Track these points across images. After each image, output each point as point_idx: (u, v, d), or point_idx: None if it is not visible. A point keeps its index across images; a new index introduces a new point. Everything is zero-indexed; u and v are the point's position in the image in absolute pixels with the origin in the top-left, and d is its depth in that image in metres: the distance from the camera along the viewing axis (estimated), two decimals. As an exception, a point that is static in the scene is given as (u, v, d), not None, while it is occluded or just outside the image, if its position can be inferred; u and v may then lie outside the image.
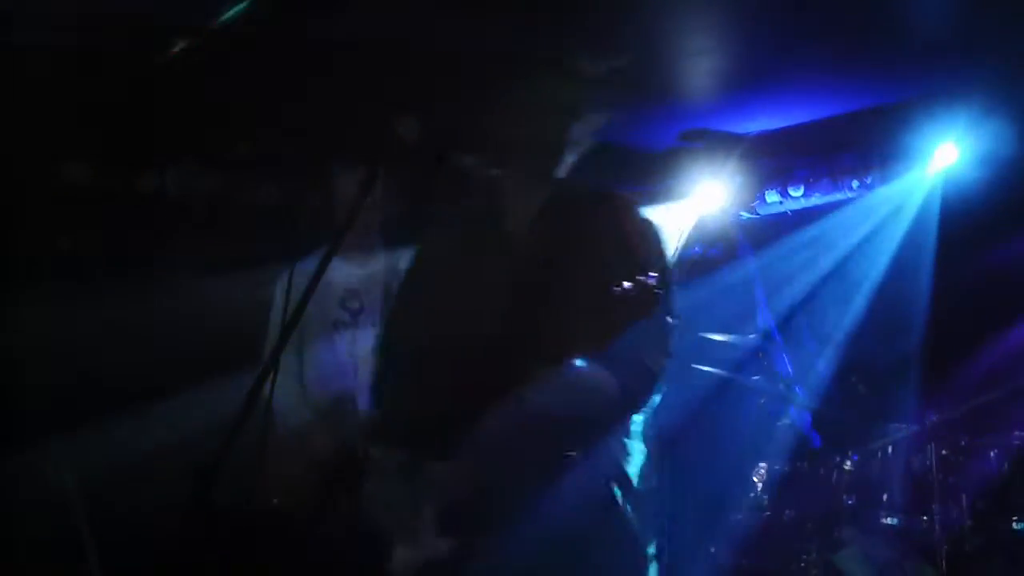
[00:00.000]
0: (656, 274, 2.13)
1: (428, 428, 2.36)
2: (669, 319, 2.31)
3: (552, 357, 2.15)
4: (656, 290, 1.95)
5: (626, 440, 2.36)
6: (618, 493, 2.30)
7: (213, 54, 4.06)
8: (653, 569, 2.34)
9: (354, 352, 3.49)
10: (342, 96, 3.91)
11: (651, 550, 2.35)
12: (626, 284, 1.96)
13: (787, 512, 4.33)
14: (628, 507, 2.30)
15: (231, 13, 3.82)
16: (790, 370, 5.48)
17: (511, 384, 2.19)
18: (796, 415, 4.86)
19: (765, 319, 5.74)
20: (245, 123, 4.46)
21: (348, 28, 3.84)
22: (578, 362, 2.03)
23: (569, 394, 2.11)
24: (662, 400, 4.74)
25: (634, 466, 2.35)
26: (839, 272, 5.49)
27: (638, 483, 2.35)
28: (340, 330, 3.55)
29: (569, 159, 2.47)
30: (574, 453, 2.24)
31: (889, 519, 4.03)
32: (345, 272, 3.51)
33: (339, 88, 3.90)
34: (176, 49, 3.91)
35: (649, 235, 2.38)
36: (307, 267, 3.34)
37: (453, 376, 2.34)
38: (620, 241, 2.35)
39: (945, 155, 5.08)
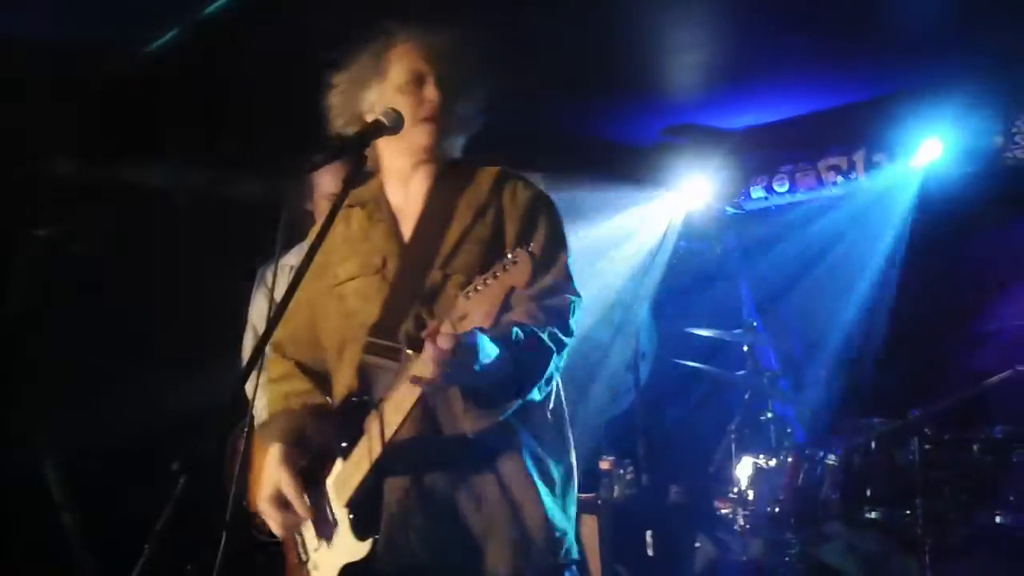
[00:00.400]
0: (536, 244, 2.12)
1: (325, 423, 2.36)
2: (571, 296, 2.29)
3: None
4: (530, 257, 1.93)
5: (542, 424, 2.34)
6: (534, 475, 2.28)
7: (194, 49, 4.03)
8: (565, 549, 2.31)
9: None
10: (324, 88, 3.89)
11: (568, 544, 2.32)
12: (508, 255, 1.95)
13: (772, 506, 4.34)
14: (544, 490, 2.28)
15: (214, 6, 3.80)
16: (775, 364, 5.50)
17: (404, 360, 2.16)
18: (780, 409, 4.87)
19: (750, 313, 5.76)
20: (227, 118, 4.44)
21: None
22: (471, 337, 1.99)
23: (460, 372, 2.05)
24: (648, 394, 4.73)
25: (549, 450, 2.34)
26: (825, 267, 5.50)
27: (557, 471, 2.34)
28: None
29: (458, 139, 2.44)
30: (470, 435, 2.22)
31: (873, 513, 4.04)
32: None
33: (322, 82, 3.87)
34: (158, 44, 3.88)
35: (541, 211, 2.36)
36: (289, 262, 3.34)
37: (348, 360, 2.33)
38: (508, 217, 2.33)
39: (930, 150, 5.09)
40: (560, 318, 2.26)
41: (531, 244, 2.00)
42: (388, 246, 2.37)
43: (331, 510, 2.33)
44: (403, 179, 2.43)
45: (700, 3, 4.15)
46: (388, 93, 2.36)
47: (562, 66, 4.58)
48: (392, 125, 2.30)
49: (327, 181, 3.34)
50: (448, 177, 2.41)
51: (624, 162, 6.18)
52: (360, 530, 2.25)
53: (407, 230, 2.39)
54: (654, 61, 4.74)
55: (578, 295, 2.32)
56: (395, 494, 2.25)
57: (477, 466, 2.26)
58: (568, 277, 2.33)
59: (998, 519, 3.79)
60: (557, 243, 2.34)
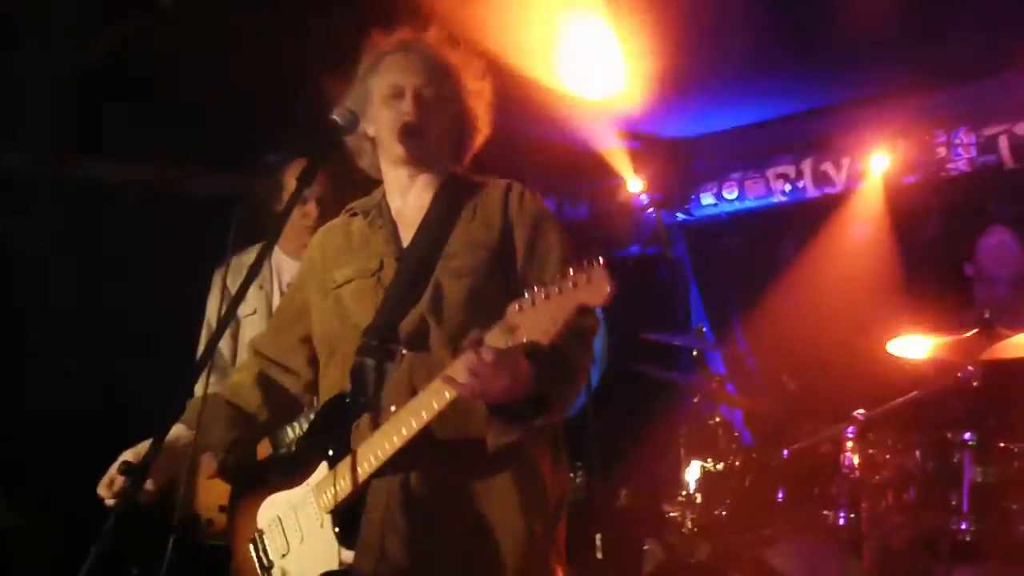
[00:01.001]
0: (553, 258, 2.12)
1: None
2: (592, 318, 2.26)
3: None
4: (607, 275, 1.87)
5: (546, 447, 2.32)
6: (526, 499, 2.25)
7: (152, 42, 3.97)
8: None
9: None
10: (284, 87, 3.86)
11: None
12: (573, 269, 1.90)
13: (719, 508, 4.39)
14: (531, 515, 2.26)
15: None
16: (723, 369, 5.56)
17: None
18: (728, 413, 4.92)
19: (699, 318, 5.82)
20: (186, 114, 4.39)
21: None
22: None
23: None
24: (599, 398, 4.75)
25: (547, 476, 2.31)
26: (773, 273, 5.57)
27: (551, 498, 2.32)
28: None
29: (451, 151, 2.44)
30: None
31: (817, 515, 4.09)
32: (291, 267, 3.46)
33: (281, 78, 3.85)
34: (115, 36, 3.82)
35: (549, 223, 2.36)
36: (247, 259, 3.31)
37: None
38: (516, 224, 2.32)
39: (878, 160, 5.18)
40: (584, 340, 2.24)
41: (601, 260, 1.89)
42: (386, 250, 2.36)
43: (296, 518, 2.28)
44: (402, 188, 2.42)
45: (652, 12, 4.18)
46: (375, 107, 2.37)
47: (518, 69, 4.58)
48: (345, 124, 2.29)
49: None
50: (450, 186, 2.40)
51: (577, 166, 6.21)
52: (344, 538, 2.19)
53: (406, 236, 2.37)
54: (609, 67, 4.77)
55: (597, 318, 2.28)
56: (379, 497, 2.20)
57: (468, 478, 2.21)
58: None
59: (939, 522, 3.86)
60: (569, 260, 2.28)
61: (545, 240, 2.31)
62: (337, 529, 2.21)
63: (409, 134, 2.33)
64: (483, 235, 2.31)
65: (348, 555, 2.19)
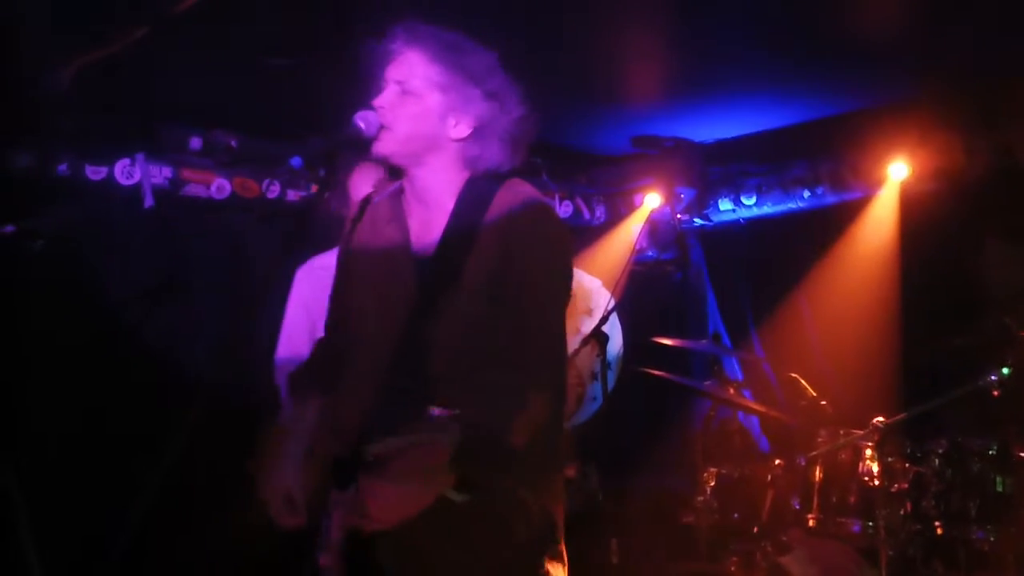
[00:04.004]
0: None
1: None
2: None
3: None
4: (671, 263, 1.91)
5: None
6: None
7: (166, 47, 4.00)
8: None
9: None
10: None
11: None
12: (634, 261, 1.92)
13: (736, 515, 4.39)
14: None
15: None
16: (740, 375, 5.55)
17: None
18: (745, 419, 4.91)
19: (716, 324, 5.80)
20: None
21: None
22: None
23: None
24: (614, 403, 4.74)
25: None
26: (791, 280, 5.55)
27: None
28: None
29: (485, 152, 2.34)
30: None
31: (834, 522, 4.08)
32: None
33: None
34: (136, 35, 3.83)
35: (549, 259, 2.27)
36: (327, 261, 3.30)
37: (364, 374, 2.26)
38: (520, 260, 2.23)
39: (897, 167, 5.15)
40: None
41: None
42: (400, 256, 2.29)
43: None
44: (426, 189, 2.33)
45: (670, 17, 4.18)
46: None
47: (533, 74, 4.58)
48: (367, 128, 2.25)
49: (361, 184, 3.29)
50: (468, 198, 2.28)
51: (592, 171, 6.21)
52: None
53: (417, 236, 2.30)
54: (625, 72, 4.76)
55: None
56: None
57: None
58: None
59: (957, 531, 3.84)
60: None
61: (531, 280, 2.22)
62: None
63: (384, 130, 2.29)
64: (491, 272, 2.21)
65: None
